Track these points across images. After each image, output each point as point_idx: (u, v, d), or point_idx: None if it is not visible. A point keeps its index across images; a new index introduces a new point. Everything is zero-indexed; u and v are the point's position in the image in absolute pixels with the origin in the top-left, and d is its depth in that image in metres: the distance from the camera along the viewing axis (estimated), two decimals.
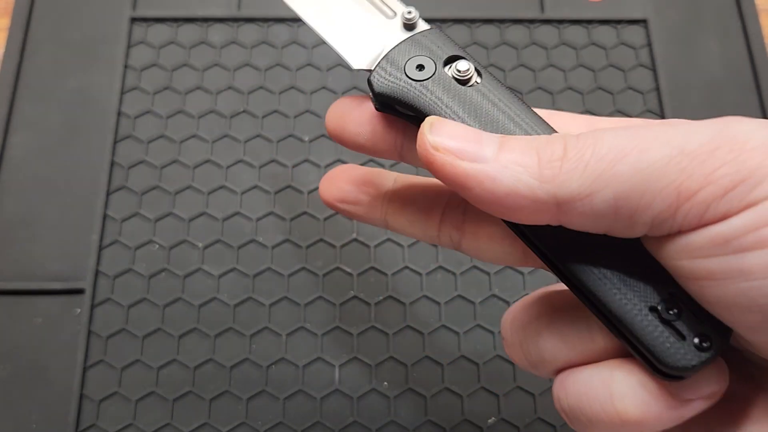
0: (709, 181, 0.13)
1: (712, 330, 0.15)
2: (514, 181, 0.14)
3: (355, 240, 0.33)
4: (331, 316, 0.31)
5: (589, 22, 0.37)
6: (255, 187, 0.34)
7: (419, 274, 0.32)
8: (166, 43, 0.37)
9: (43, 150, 0.34)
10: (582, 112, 0.35)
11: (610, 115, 0.35)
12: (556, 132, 0.16)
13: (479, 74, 0.17)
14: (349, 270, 0.32)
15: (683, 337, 0.15)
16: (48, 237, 0.32)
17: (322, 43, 0.36)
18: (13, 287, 0.31)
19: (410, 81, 0.17)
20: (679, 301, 0.15)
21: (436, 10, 0.37)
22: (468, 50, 0.36)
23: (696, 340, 0.15)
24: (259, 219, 0.33)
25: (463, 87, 0.17)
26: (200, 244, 0.32)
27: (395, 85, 0.17)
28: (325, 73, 0.36)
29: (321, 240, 0.33)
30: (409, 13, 0.18)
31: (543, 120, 0.17)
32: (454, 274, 0.32)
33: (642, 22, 0.37)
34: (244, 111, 0.35)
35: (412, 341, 0.31)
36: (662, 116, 0.35)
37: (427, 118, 0.16)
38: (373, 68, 0.18)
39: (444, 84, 0.17)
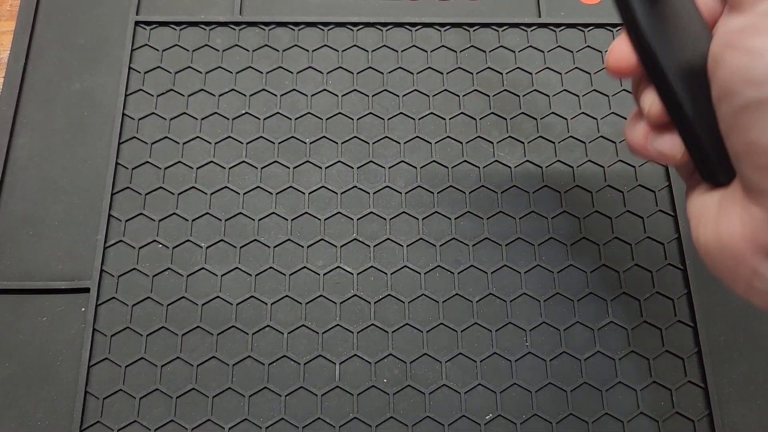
0: None
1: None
2: None
3: (356, 240, 0.33)
4: (332, 314, 0.32)
5: (585, 25, 0.38)
6: (257, 187, 0.34)
7: (418, 272, 0.32)
8: (169, 46, 0.37)
9: (48, 151, 0.35)
10: (577, 115, 0.36)
11: (606, 116, 0.36)
12: None
13: None
14: (349, 269, 0.33)
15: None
16: (53, 237, 0.33)
17: (322, 45, 0.37)
18: (18, 287, 0.32)
19: None
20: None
21: (435, 15, 0.38)
22: (466, 53, 0.37)
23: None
24: (261, 219, 0.34)
25: None
26: (203, 244, 0.33)
27: None
28: (325, 76, 0.37)
29: (322, 239, 0.33)
30: None
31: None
32: (452, 273, 0.32)
33: None
34: (246, 113, 0.36)
35: (411, 339, 0.31)
36: None
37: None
38: None
39: None
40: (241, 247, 0.33)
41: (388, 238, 0.33)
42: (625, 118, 0.36)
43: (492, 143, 0.35)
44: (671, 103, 0.21)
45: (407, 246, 0.33)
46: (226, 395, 0.30)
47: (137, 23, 0.37)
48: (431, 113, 0.36)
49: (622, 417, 0.30)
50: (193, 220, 0.33)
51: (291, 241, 0.33)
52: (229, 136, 0.35)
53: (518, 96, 0.36)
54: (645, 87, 0.22)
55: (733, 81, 0.17)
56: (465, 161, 0.35)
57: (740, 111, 0.17)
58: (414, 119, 0.36)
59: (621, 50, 0.21)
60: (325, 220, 0.33)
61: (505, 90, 0.36)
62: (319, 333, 0.31)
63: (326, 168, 0.35)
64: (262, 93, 0.36)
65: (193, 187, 0.34)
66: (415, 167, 0.35)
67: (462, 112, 0.36)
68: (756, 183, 0.18)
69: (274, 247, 0.33)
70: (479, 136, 0.35)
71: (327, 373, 0.31)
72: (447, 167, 0.35)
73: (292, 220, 0.34)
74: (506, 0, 0.39)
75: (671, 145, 0.21)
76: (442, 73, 0.37)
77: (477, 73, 0.37)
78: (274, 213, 0.34)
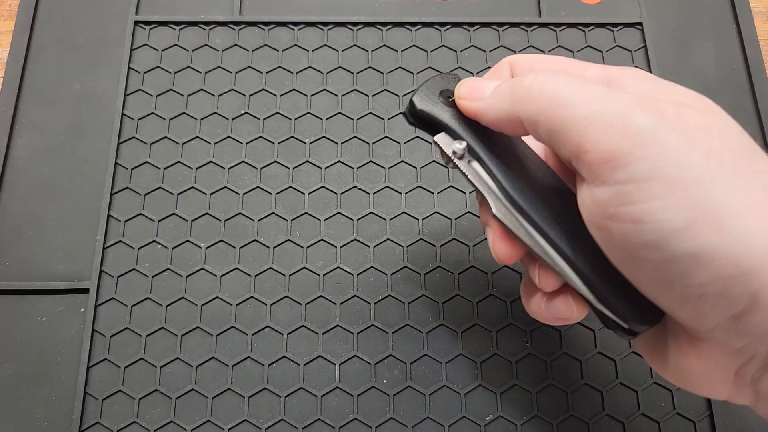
0: (595, 149, 0.17)
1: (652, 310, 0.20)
2: (496, 110, 0.21)
3: (355, 240, 0.33)
4: (332, 315, 0.32)
5: (586, 25, 0.38)
6: (256, 188, 0.34)
7: (418, 273, 0.32)
8: (169, 46, 0.37)
9: (48, 151, 0.35)
10: None
11: None
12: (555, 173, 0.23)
13: None
14: (349, 269, 0.32)
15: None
16: (52, 237, 0.33)
17: (322, 45, 0.37)
18: (18, 287, 0.32)
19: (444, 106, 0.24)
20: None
21: (435, 15, 0.38)
22: (466, 53, 0.37)
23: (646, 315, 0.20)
24: (260, 219, 0.33)
25: None
26: (203, 244, 0.33)
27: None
28: (325, 76, 0.36)
29: (321, 240, 0.33)
30: None
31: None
32: (452, 273, 0.32)
33: (637, 25, 0.38)
34: (245, 113, 0.36)
35: (411, 339, 0.31)
36: None
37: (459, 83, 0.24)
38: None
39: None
40: (240, 248, 0.33)
41: (388, 238, 0.33)
42: None
43: None
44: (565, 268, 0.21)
45: (407, 246, 0.33)
46: (225, 396, 0.30)
47: (137, 23, 0.37)
48: None
49: (623, 418, 0.30)
50: (192, 221, 0.33)
51: (291, 242, 0.33)
52: (229, 136, 0.35)
53: None
54: (530, 262, 0.23)
55: (633, 247, 0.17)
56: None
57: (656, 269, 0.17)
58: None
59: (502, 246, 0.23)
60: (324, 220, 0.33)
61: None
62: (318, 333, 0.31)
63: (326, 168, 0.34)
64: (261, 93, 0.36)
65: (193, 188, 0.34)
66: (415, 167, 0.35)
67: None
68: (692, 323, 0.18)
69: (274, 247, 0.33)
70: None
71: (327, 374, 0.31)
72: (447, 167, 0.35)
73: (292, 220, 0.33)
74: (506, 0, 0.39)
75: (565, 308, 0.22)
76: (442, 73, 0.37)
77: (477, 72, 0.37)
78: (273, 213, 0.34)
